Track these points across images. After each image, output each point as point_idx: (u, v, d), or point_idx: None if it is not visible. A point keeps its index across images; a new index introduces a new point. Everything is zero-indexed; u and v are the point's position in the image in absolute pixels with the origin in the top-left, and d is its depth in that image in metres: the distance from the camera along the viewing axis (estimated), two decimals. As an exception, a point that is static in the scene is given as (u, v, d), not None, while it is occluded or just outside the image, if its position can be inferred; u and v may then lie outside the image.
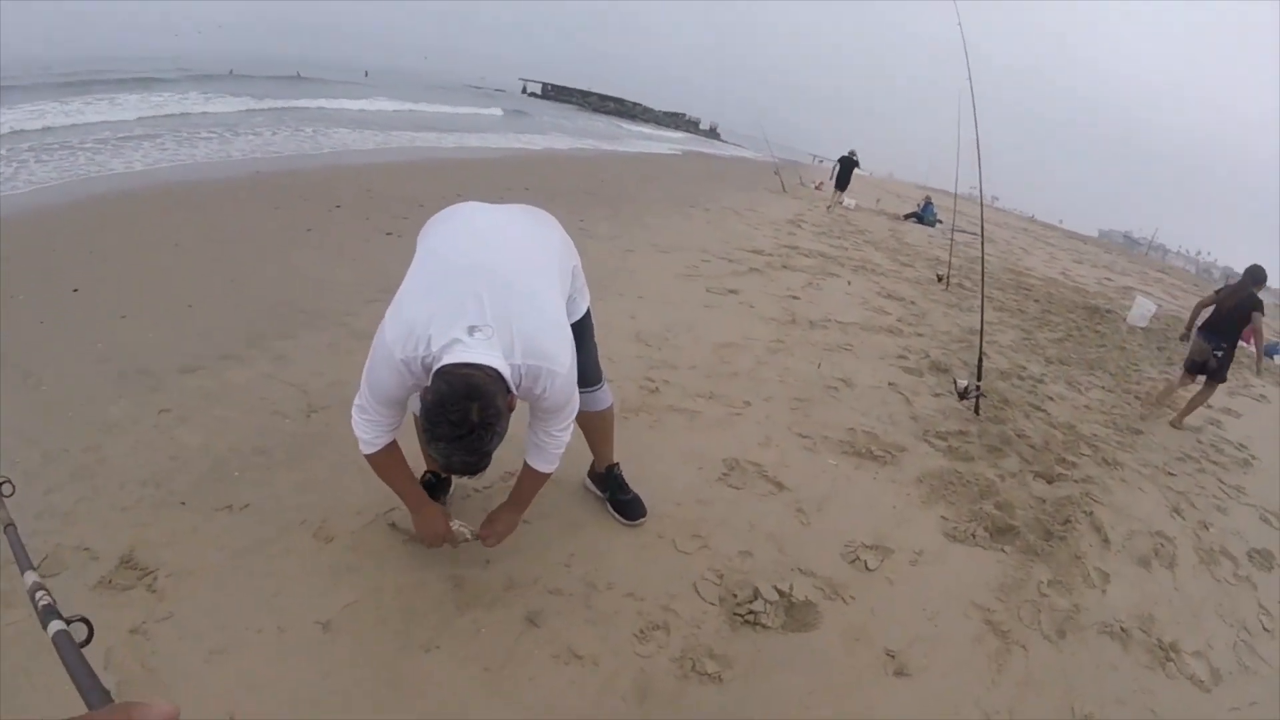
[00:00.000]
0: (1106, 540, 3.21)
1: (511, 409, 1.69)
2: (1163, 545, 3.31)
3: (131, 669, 1.72)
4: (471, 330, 1.66)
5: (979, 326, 4.92)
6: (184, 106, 12.85)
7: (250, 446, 2.65)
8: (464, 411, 1.54)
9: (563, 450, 2.06)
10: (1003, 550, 2.95)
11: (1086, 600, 2.76)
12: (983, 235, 5.24)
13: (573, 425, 2.04)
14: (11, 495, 1.17)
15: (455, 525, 2.10)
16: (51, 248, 4.43)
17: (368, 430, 1.89)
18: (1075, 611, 2.67)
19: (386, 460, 1.97)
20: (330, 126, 13.83)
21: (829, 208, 16.50)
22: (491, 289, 1.72)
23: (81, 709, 0.53)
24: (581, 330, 2.23)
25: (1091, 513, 3.39)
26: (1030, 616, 2.58)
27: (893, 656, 2.26)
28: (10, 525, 1.15)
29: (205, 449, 2.60)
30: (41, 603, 0.88)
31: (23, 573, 0.98)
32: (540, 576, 2.29)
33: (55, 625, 0.82)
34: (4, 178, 6.32)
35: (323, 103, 17.32)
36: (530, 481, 2.12)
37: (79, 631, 0.84)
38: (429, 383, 1.62)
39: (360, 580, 2.13)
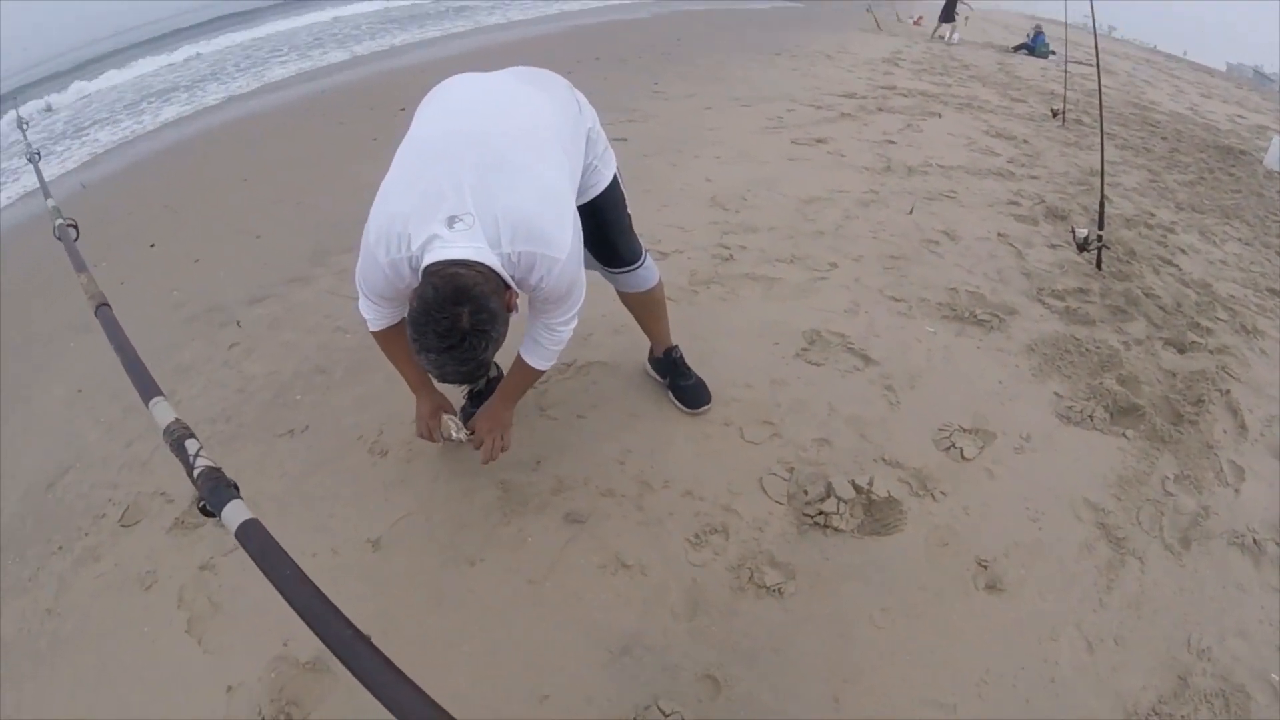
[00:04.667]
0: (1243, 426, 2.54)
1: (510, 308, 1.32)
2: (1307, 436, 2.59)
3: (200, 606, 1.70)
4: (451, 221, 1.29)
5: (1099, 167, 4.03)
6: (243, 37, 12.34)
7: (312, 366, 2.55)
8: (452, 318, 1.22)
9: (562, 347, 1.67)
10: (1124, 435, 2.36)
11: (1217, 502, 2.17)
12: (1098, 59, 4.18)
13: (577, 318, 1.64)
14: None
15: (445, 420, 1.81)
16: (128, 211, 4.49)
17: (372, 312, 1.62)
18: (1203, 515, 2.10)
19: (390, 339, 1.70)
20: (394, 28, 12.99)
21: (935, 35, 14.71)
22: (473, 169, 1.33)
23: None
24: (610, 202, 1.77)
25: (1228, 391, 2.70)
26: (1151, 520, 2.05)
27: (985, 567, 1.82)
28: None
29: (271, 376, 2.51)
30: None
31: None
32: (591, 476, 1.96)
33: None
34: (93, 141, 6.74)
35: (365, 6, 16.05)
36: (521, 375, 1.76)
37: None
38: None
39: (411, 494, 1.95)
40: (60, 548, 1.91)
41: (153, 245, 3.72)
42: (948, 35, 15.10)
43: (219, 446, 2.17)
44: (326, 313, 2.86)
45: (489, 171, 1.35)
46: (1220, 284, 3.83)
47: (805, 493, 1.95)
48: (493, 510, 1.87)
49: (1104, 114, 4.38)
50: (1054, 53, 14.30)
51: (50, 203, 1.83)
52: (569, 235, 1.42)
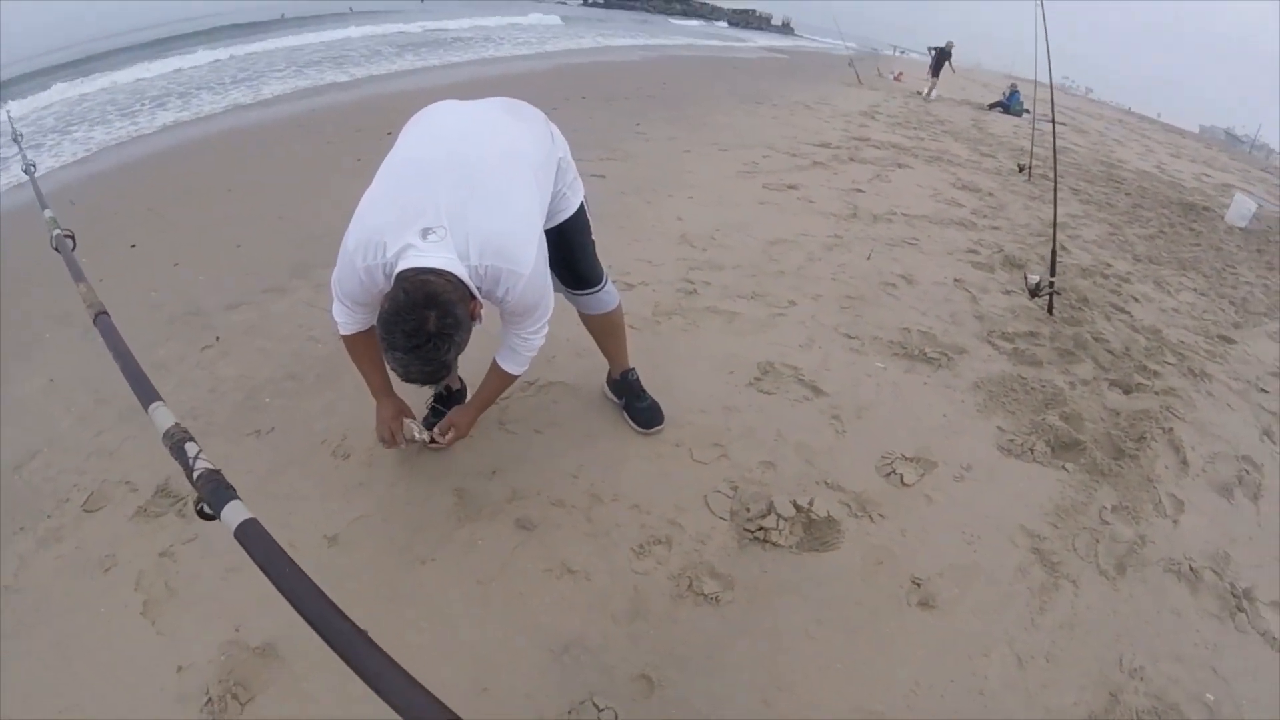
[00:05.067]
0: (1185, 462, 2.66)
1: (475, 318, 1.46)
2: (1248, 472, 2.71)
3: (157, 590, 1.74)
4: (425, 233, 1.42)
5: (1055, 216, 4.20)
6: (245, 50, 12.66)
7: (284, 373, 2.59)
8: (420, 320, 1.34)
9: (535, 354, 1.80)
10: (1064, 468, 2.47)
11: (1155, 532, 2.28)
12: (1053, 108, 4.39)
13: (547, 328, 1.77)
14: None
15: (407, 424, 1.91)
16: (113, 210, 4.50)
17: (344, 316, 1.72)
18: (1140, 544, 2.20)
19: (359, 344, 1.80)
20: (394, 52, 13.39)
21: (927, 94, 15.27)
22: (449, 187, 1.47)
23: None
24: (576, 228, 1.92)
25: (1171, 429, 2.83)
26: (1087, 547, 2.15)
27: (919, 585, 1.91)
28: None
29: (242, 379, 2.55)
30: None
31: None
32: (544, 488, 2.04)
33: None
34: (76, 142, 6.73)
35: (371, 29, 16.53)
36: (496, 381, 1.89)
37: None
38: None
39: (370, 496, 2.01)
40: (23, 528, 1.93)
41: (134, 246, 3.73)
42: (925, 92, 15.69)
43: (187, 442, 2.22)
44: (301, 322, 2.93)
45: (464, 193, 1.49)
46: (1171, 330, 4.00)
47: (748, 510, 2.04)
48: (448, 514, 1.94)
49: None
50: (1028, 111, 14.88)
51: (48, 213, 1.87)
52: (533, 254, 1.56)
